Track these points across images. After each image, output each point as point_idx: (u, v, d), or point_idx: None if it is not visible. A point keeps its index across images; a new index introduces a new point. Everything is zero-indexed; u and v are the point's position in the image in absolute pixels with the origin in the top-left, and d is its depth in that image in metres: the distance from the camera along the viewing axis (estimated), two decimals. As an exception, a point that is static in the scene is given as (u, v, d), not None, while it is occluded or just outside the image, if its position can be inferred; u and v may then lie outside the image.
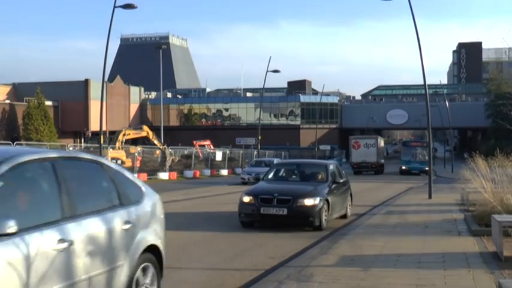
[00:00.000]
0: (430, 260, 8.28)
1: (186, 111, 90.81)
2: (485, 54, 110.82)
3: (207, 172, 42.82)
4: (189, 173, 39.90)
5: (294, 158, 56.75)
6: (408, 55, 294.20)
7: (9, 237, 3.74)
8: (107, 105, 51.32)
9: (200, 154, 48.58)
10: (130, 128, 49.57)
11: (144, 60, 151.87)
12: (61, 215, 4.35)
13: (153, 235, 5.52)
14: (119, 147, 37.60)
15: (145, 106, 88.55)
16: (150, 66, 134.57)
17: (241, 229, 12.35)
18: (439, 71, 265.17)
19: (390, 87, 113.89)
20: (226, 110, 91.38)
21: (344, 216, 14.37)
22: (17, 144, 28.13)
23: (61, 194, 4.42)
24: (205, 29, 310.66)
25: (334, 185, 13.46)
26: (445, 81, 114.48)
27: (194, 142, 51.93)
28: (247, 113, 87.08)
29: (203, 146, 53.26)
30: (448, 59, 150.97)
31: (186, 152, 48.27)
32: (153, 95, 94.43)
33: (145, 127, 43.14)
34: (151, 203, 5.73)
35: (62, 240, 4.17)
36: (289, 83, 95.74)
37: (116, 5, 24.08)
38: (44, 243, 4.02)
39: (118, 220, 4.98)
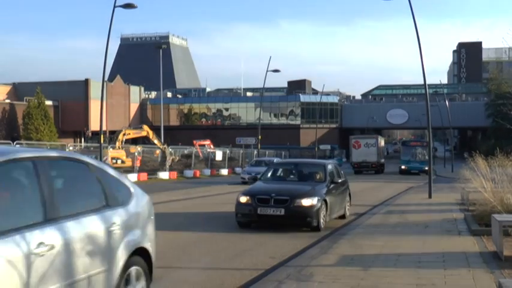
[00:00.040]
0: (430, 260, 8.28)
1: (186, 111, 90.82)
2: (485, 54, 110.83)
3: (207, 172, 42.82)
4: (189, 173, 39.90)
5: (294, 157, 56.76)
6: (408, 55, 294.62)
7: None
8: (107, 105, 51.34)
9: (200, 154, 48.57)
10: (131, 127, 49.52)
11: (144, 60, 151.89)
12: (42, 217, 4.15)
13: (142, 237, 5.34)
14: (119, 147, 37.58)
15: (145, 106, 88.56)
16: (150, 66, 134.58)
17: (241, 229, 12.31)
18: (439, 70, 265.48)
19: (390, 87, 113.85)
20: (226, 109, 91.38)
21: (343, 217, 14.25)
22: (17, 143, 28.12)
23: (42, 195, 4.22)
24: (205, 28, 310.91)
25: (332, 185, 13.30)
26: (445, 80, 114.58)
27: (194, 142, 51.93)
28: (247, 113, 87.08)
29: (203, 145, 53.26)
30: (448, 59, 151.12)
31: (186, 152, 48.25)
32: (153, 94, 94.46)
33: (145, 127, 43.10)
34: (140, 204, 5.56)
35: (41, 244, 3.96)
36: (289, 83, 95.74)
37: (116, 4, 24.08)
38: (22, 246, 3.82)
39: (104, 222, 4.79)
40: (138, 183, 32.00)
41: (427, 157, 41.69)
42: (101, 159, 24.11)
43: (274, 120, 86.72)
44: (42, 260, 3.94)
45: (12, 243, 3.78)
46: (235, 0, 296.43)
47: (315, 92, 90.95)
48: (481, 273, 7.26)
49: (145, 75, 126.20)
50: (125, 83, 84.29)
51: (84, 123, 71.62)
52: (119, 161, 36.24)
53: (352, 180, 33.11)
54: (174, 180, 36.15)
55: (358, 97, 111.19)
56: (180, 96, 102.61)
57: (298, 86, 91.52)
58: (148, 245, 5.44)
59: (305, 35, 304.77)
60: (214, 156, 48.16)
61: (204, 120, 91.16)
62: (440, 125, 57.75)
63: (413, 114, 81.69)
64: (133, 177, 32.98)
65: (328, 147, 71.99)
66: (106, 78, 30.84)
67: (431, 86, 53.31)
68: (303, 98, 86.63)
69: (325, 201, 12.34)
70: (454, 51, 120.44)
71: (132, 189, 5.55)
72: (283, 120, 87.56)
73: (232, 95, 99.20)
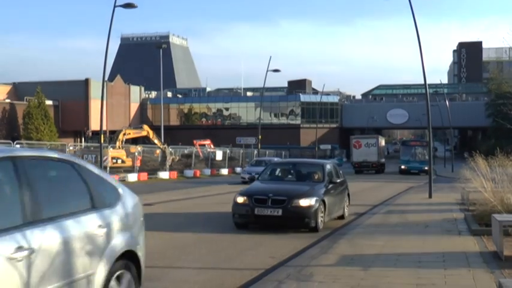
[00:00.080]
0: (430, 260, 8.28)
1: (186, 111, 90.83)
2: (485, 53, 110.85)
3: (207, 171, 42.83)
4: (189, 173, 39.92)
5: (294, 157, 56.75)
6: (408, 54, 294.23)
7: None
8: (107, 105, 51.26)
9: (200, 153, 48.59)
10: (131, 127, 49.50)
11: (144, 60, 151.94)
12: (21, 219, 3.92)
13: (130, 240, 5.12)
14: (119, 147, 37.57)
15: (145, 105, 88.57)
16: (150, 66, 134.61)
17: (241, 228, 12.28)
18: (439, 70, 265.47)
19: (390, 87, 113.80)
20: (227, 109, 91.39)
21: (341, 217, 14.06)
22: (18, 143, 28.13)
23: (22, 197, 3.99)
24: (206, 28, 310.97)
25: (331, 185, 13.13)
26: (445, 80, 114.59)
27: (194, 141, 51.93)
28: (247, 113, 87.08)
29: (203, 145, 53.27)
30: (448, 59, 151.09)
31: (186, 152, 48.25)
32: (153, 94, 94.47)
33: (145, 126, 43.09)
34: (128, 205, 5.35)
35: (20, 248, 3.74)
36: (289, 83, 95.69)
37: (116, 4, 24.08)
38: None
39: (89, 224, 4.59)
40: (138, 183, 32.16)
41: (426, 157, 41.72)
42: (101, 159, 24.09)
43: (275, 120, 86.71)
44: (20, 266, 3.72)
45: None
46: (236, 0, 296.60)
47: (315, 92, 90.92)
48: (481, 273, 7.26)
49: (146, 75, 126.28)
50: (125, 82, 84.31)
51: (85, 123, 71.65)
52: (119, 161, 36.25)
53: (352, 179, 33.19)
54: (174, 180, 36.16)
55: (359, 97, 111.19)
56: (180, 96, 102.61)
57: (298, 85, 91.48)
58: (137, 248, 5.21)
59: (305, 35, 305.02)
60: (215, 156, 48.17)
61: (204, 120, 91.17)
62: (441, 125, 57.75)
63: (413, 114, 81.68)
64: (133, 176, 33.03)
65: (329, 147, 72.01)
66: (106, 78, 30.83)
67: (431, 85, 53.18)
68: (303, 97, 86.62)
69: (324, 201, 12.18)
70: (454, 51, 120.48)
71: (120, 190, 5.35)
72: (283, 120, 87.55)
73: (232, 94, 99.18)
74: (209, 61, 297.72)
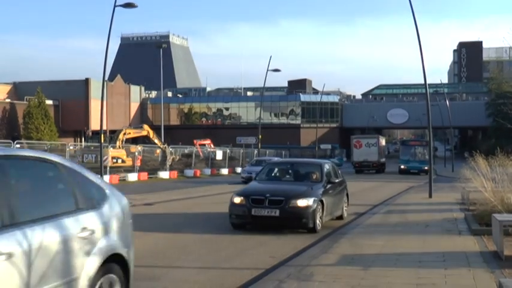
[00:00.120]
0: (431, 259, 8.28)
1: (186, 111, 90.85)
2: (485, 53, 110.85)
3: (208, 171, 42.84)
4: (189, 172, 39.93)
5: (294, 157, 56.76)
6: (409, 54, 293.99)
7: None
8: (107, 105, 51.30)
9: (200, 153, 48.60)
10: (131, 127, 49.52)
11: (144, 60, 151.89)
12: None
13: (117, 243, 4.92)
14: (119, 147, 37.58)
15: (145, 105, 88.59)
16: (150, 66, 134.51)
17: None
18: (439, 70, 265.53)
19: (391, 87, 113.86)
20: (227, 109, 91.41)
21: (340, 218, 13.90)
22: (18, 143, 28.12)
23: None
24: (206, 28, 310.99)
25: (329, 185, 12.97)
26: (445, 80, 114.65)
27: (194, 141, 51.94)
28: (247, 112, 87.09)
29: (203, 145, 53.28)
30: (448, 58, 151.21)
31: (186, 151, 48.27)
32: (153, 94, 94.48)
33: (145, 126, 43.09)
34: (116, 206, 5.15)
35: None
36: (289, 82, 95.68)
37: (117, 4, 24.07)
38: None
39: (73, 227, 4.37)
40: (139, 183, 32.15)
41: (426, 157, 41.77)
42: (101, 159, 24.10)
43: (275, 120, 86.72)
44: None
45: None
46: (236, 0, 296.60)
47: (316, 92, 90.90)
48: (481, 273, 7.26)
49: (146, 74, 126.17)
50: (125, 82, 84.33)
51: (85, 123, 71.67)
52: (120, 161, 36.26)
53: (353, 179, 33.23)
54: (175, 179, 36.17)
55: (359, 97, 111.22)
56: (180, 96, 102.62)
57: (298, 85, 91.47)
58: (125, 251, 5.00)
59: (305, 35, 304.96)
60: (215, 155, 48.18)
61: (204, 119, 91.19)
62: (441, 125, 57.73)
63: (413, 113, 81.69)
64: (133, 176, 33.05)
65: (329, 146, 72.03)
66: (106, 77, 30.85)
67: (431, 85, 53.15)
68: (303, 97, 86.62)
69: (322, 201, 12.02)
70: (454, 51, 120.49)
71: (107, 191, 5.14)
72: (283, 120, 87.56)
73: (232, 94, 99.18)
74: (209, 61, 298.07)
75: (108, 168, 30.80)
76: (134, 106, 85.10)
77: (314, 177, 13.09)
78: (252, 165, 34.79)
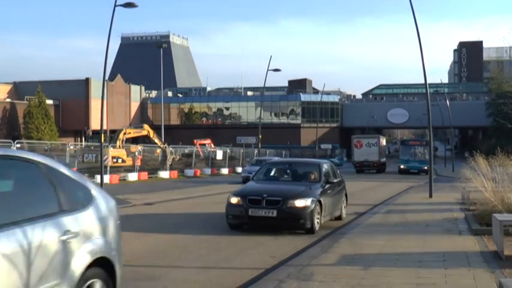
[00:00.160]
0: (431, 259, 8.28)
1: (186, 110, 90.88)
2: (486, 53, 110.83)
3: (208, 171, 42.84)
4: (189, 172, 39.92)
5: (295, 157, 56.76)
6: (409, 54, 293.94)
7: None
8: (107, 104, 51.34)
9: (201, 153, 48.60)
10: (131, 126, 49.57)
11: (144, 59, 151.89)
12: None
13: (104, 246, 4.71)
14: (119, 146, 37.58)
15: (146, 105, 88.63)
16: (150, 65, 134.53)
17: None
18: (439, 70, 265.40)
19: (391, 86, 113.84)
20: (227, 108, 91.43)
21: (339, 218, 13.75)
22: (18, 142, 28.13)
23: None
24: (206, 27, 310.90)
25: (327, 185, 12.81)
26: (445, 80, 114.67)
27: (195, 141, 51.93)
28: (247, 112, 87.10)
29: (204, 144, 53.28)
30: (448, 58, 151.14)
31: (186, 151, 48.27)
32: (153, 93, 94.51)
33: (146, 126, 43.10)
34: (102, 208, 4.94)
35: None
36: (289, 82, 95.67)
37: (117, 3, 24.05)
38: None
39: (55, 230, 4.16)
40: (139, 182, 32.11)
41: (426, 156, 41.77)
42: (101, 158, 24.10)
43: (275, 120, 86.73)
44: None
45: None
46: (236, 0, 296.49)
47: (316, 91, 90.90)
48: (481, 273, 7.26)
49: (146, 74, 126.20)
50: (126, 82, 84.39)
51: (85, 122, 71.73)
52: (120, 160, 36.25)
53: (353, 179, 33.27)
54: (175, 179, 36.17)
55: (359, 96, 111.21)
56: (180, 96, 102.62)
57: (298, 85, 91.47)
58: (112, 255, 4.77)
59: (306, 34, 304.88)
60: (215, 155, 48.17)
61: (204, 119, 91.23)
62: (441, 125, 57.72)
63: (413, 113, 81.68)
64: (133, 176, 33.05)
65: (330, 146, 72.03)
66: (107, 77, 30.82)
67: (432, 85, 53.11)
68: (304, 97, 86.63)
69: (320, 202, 11.87)
70: (454, 51, 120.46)
71: (93, 192, 4.92)
72: (283, 120, 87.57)
73: (232, 94, 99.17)
74: (209, 60, 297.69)
75: (108, 167, 30.80)
76: (134, 106, 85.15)
77: (312, 177, 12.94)
78: (252, 165, 34.78)
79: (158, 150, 42.06)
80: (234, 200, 11.85)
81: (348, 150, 66.56)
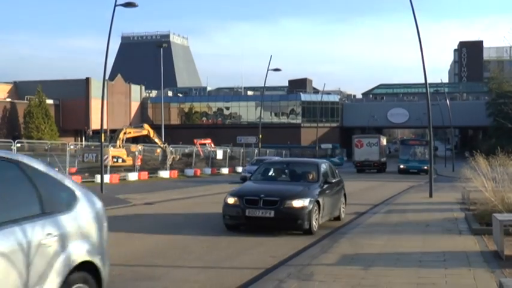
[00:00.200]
0: (431, 259, 8.28)
1: (186, 110, 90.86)
2: (486, 53, 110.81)
3: (208, 171, 42.83)
4: (189, 172, 39.91)
5: (295, 156, 56.74)
6: (409, 54, 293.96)
7: None
8: (107, 104, 51.36)
9: (201, 153, 48.58)
10: (131, 126, 49.56)
11: (145, 59, 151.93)
12: None
13: (88, 249, 4.54)
14: (119, 146, 37.57)
15: (146, 104, 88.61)
16: (151, 65, 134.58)
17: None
18: (440, 69, 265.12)
19: (391, 86, 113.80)
20: (227, 108, 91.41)
21: (337, 218, 13.63)
22: (18, 142, 28.11)
23: None
24: (206, 27, 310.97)
25: (326, 185, 12.65)
26: (446, 80, 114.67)
27: (195, 141, 51.92)
28: (248, 112, 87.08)
29: (204, 144, 53.26)
30: (449, 58, 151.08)
31: (186, 151, 48.24)
32: (154, 93, 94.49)
33: (146, 125, 43.09)
34: (88, 209, 4.79)
35: None
36: (290, 82, 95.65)
37: (117, 3, 24.04)
38: None
39: (36, 232, 4.00)
40: (139, 182, 32.10)
41: (426, 156, 41.76)
42: (101, 158, 24.09)
43: (275, 119, 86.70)
44: None
45: None
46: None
47: (316, 91, 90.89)
48: (481, 273, 7.26)
49: (146, 74, 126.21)
50: (126, 81, 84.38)
51: (85, 122, 71.73)
52: (120, 160, 36.25)
53: (354, 179, 33.27)
54: (175, 179, 36.16)
55: (359, 96, 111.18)
56: (180, 95, 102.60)
57: (299, 84, 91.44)
58: (98, 259, 4.60)
59: (306, 34, 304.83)
60: (215, 155, 48.15)
61: (204, 119, 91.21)
62: (441, 124, 57.68)
63: (414, 113, 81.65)
64: (133, 176, 33.04)
65: (330, 146, 71.98)
66: (107, 77, 30.82)
67: (432, 85, 53.12)
68: (304, 97, 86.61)
69: (318, 202, 11.73)
70: (455, 50, 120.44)
71: (78, 193, 4.75)
72: (284, 119, 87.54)
73: (233, 93, 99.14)
74: (210, 60, 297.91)
75: (108, 167, 30.80)
76: (135, 105, 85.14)
77: (310, 177, 12.79)
78: (253, 165, 34.76)
79: (158, 150, 42.05)
80: (231, 200, 11.72)
81: (348, 150, 66.53)
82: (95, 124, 68.34)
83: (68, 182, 4.78)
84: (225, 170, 45.05)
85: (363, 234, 11.05)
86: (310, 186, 12.19)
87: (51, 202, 4.39)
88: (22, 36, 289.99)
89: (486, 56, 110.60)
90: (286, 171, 13.77)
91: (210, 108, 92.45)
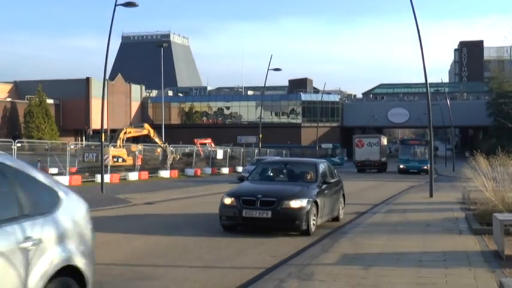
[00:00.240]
0: (431, 259, 8.28)
1: (187, 110, 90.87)
2: (486, 52, 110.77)
3: (208, 170, 42.83)
4: (190, 171, 39.91)
5: (295, 156, 56.74)
6: (409, 53, 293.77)
7: None
8: (108, 104, 51.32)
9: (201, 152, 48.57)
10: (132, 126, 49.56)
11: (145, 59, 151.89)
12: None
13: (72, 253, 4.34)
14: (120, 146, 37.58)
15: (146, 104, 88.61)
16: (151, 65, 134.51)
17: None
18: (440, 69, 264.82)
19: (391, 86, 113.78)
20: (228, 108, 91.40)
21: (336, 219, 13.48)
22: (19, 142, 28.10)
23: None
24: (207, 27, 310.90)
25: (324, 186, 12.52)
26: (446, 79, 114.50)
27: (195, 140, 51.90)
28: (248, 111, 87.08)
29: (204, 144, 53.24)
30: (449, 58, 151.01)
31: (187, 150, 48.23)
32: (154, 93, 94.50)
33: (146, 125, 43.08)
34: (72, 211, 4.58)
35: None
36: (290, 81, 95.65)
37: (117, 3, 24.04)
38: None
39: (13, 236, 3.79)
40: (139, 182, 32.09)
41: (426, 156, 41.73)
42: (101, 158, 24.08)
43: (275, 119, 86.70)
44: None
45: None
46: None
47: (316, 91, 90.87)
48: (482, 273, 7.26)
49: (147, 73, 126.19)
50: (126, 81, 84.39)
51: (86, 122, 71.74)
52: (120, 160, 36.26)
53: (354, 178, 33.28)
54: (175, 178, 36.16)
55: (359, 96, 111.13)
56: (181, 95, 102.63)
57: (299, 84, 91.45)
58: (82, 263, 4.39)
59: (306, 34, 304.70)
60: (215, 154, 48.14)
61: (205, 118, 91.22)
62: (442, 124, 57.67)
63: (414, 113, 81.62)
64: (134, 175, 33.04)
65: (330, 146, 72.01)
66: (107, 76, 30.83)
67: (432, 84, 53.12)
68: (304, 96, 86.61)
69: (316, 202, 11.59)
70: (455, 50, 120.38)
71: (61, 194, 4.53)
72: (284, 119, 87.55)
73: (233, 93, 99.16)
74: (210, 60, 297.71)
75: (108, 167, 30.79)
76: (135, 105, 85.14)
77: (308, 177, 12.62)
78: (253, 165, 34.74)
79: (159, 150, 42.06)
80: (228, 200, 11.56)
81: (348, 150, 66.52)
82: (95, 124, 68.33)
83: (50, 183, 4.57)
84: (225, 170, 45.05)
85: (363, 234, 11.05)
86: (308, 187, 12.06)
87: (30, 204, 4.16)
88: (22, 36, 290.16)
89: (486, 55, 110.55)
90: (284, 171, 13.57)
91: (211, 108, 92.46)
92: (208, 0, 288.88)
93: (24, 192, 4.14)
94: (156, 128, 50.54)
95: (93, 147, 39.26)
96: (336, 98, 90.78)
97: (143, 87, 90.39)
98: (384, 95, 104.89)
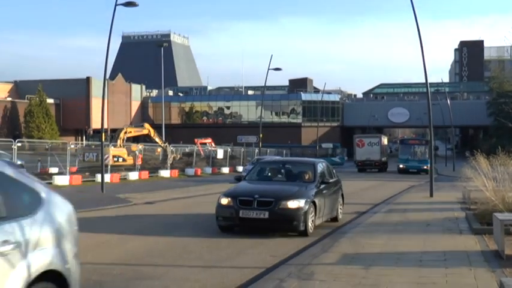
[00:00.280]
0: (432, 259, 8.27)
1: (187, 109, 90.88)
2: (487, 52, 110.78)
3: (208, 170, 42.83)
4: (190, 171, 39.91)
5: (295, 156, 56.75)
6: (410, 53, 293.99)
7: None
8: (108, 103, 51.41)
9: (201, 152, 48.58)
10: (132, 125, 49.58)
11: (145, 58, 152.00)
12: None
13: (54, 256, 4.13)
14: (120, 145, 37.59)
15: (146, 104, 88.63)
16: (151, 64, 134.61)
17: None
18: (440, 69, 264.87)
19: (392, 86, 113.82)
20: (228, 108, 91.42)
21: (335, 219, 13.35)
22: (19, 141, 28.10)
23: None
24: (207, 27, 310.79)
25: (322, 186, 12.36)
26: (446, 79, 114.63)
27: (195, 140, 51.90)
28: (248, 111, 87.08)
29: (204, 144, 53.25)
30: (449, 57, 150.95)
31: (187, 150, 48.25)
32: (154, 92, 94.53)
33: (146, 125, 43.08)
34: (55, 213, 4.37)
35: None
36: (290, 81, 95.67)
37: (117, 2, 24.04)
38: None
39: None
40: (139, 182, 32.08)
41: (426, 156, 41.71)
42: (102, 157, 24.08)
43: (276, 119, 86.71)
44: None
45: None
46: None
47: (316, 91, 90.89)
48: (482, 272, 7.26)
49: (147, 73, 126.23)
50: (126, 81, 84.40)
51: (86, 121, 71.77)
52: (120, 159, 36.26)
53: (354, 178, 33.31)
54: (175, 178, 36.15)
55: (360, 95, 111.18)
56: (181, 95, 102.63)
57: (299, 84, 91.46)
58: (65, 268, 4.20)
59: (306, 33, 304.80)
60: (216, 154, 48.15)
61: (205, 118, 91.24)
62: (442, 124, 57.66)
63: (414, 112, 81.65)
64: (134, 175, 33.03)
65: (331, 145, 72.04)
66: (107, 76, 30.81)
67: (432, 84, 53.15)
68: (304, 96, 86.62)
69: (314, 203, 11.46)
70: (455, 50, 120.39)
71: (43, 195, 4.32)
72: (284, 119, 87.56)
73: (233, 93, 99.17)
74: (210, 59, 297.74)
75: (109, 166, 30.79)
76: (135, 105, 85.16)
77: (307, 177, 12.48)
78: (253, 164, 34.77)
79: (159, 149, 42.07)
80: (224, 201, 11.41)
81: (349, 150, 66.52)
82: (95, 123, 68.36)
83: (31, 184, 4.36)
84: (225, 170, 45.05)
85: (364, 234, 11.04)
86: (307, 187, 11.93)
87: (8, 205, 3.94)
88: (22, 36, 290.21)
89: (487, 55, 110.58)
90: (282, 171, 13.39)
91: (211, 107, 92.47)
92: (209, 0, 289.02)
93: (2, 193, 3.94)
94: (157, 127, 50.55)
95: (93, 146, 39.27)
96: (336, 97, 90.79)
97: (143, 87, 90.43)
98: (384, 94, 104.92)
